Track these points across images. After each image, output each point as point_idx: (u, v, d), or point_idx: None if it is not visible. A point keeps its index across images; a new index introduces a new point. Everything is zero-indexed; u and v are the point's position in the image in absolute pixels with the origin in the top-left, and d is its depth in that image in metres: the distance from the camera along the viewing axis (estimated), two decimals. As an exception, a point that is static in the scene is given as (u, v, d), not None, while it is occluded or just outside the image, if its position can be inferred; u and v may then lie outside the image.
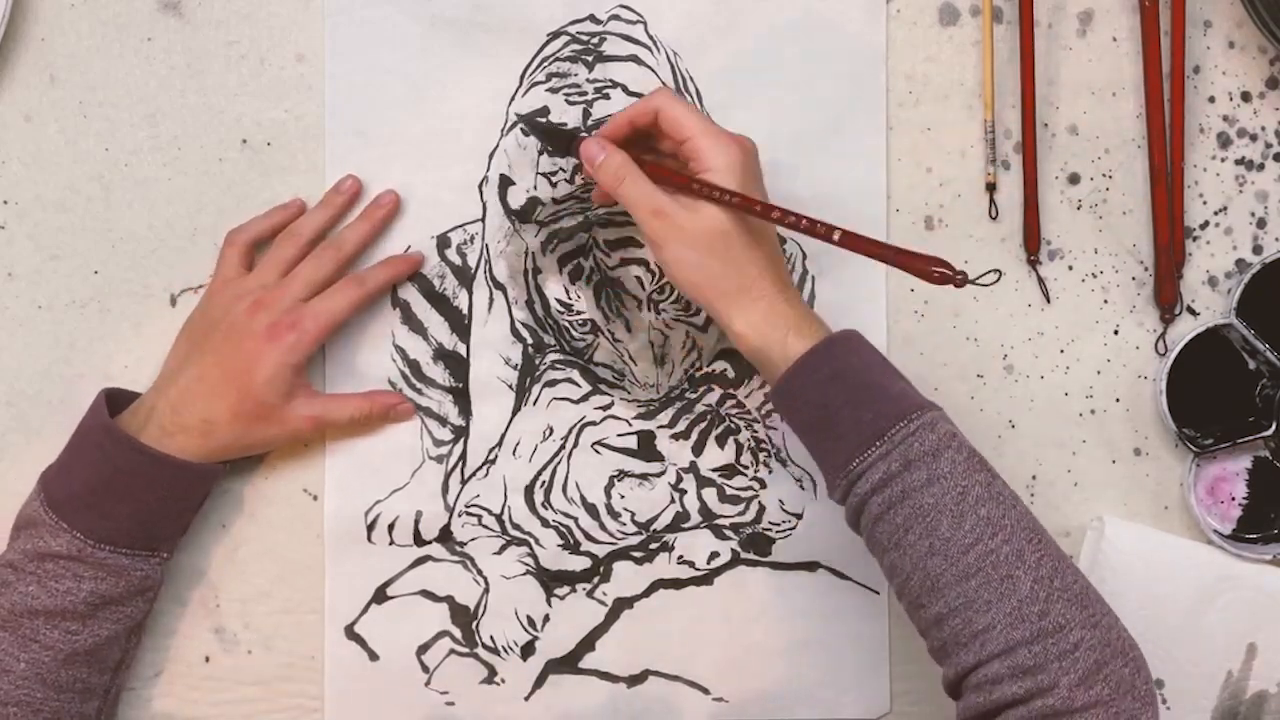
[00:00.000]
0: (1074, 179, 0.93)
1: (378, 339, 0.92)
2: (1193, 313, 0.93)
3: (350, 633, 0.92)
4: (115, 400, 0.86)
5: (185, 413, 0.84)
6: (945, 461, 0.76)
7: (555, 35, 0.92)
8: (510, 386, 0.92)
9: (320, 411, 0.88)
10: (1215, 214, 0.94)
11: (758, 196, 0.81)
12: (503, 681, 0.93)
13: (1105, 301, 0.93)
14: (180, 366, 0.87)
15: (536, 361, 0.92)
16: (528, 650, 0.93)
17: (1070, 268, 0.93)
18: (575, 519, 0.92)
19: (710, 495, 0.93)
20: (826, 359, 0.79)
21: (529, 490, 0.92)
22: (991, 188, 0.93)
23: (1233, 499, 0.94)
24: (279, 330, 0.85)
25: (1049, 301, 0.93)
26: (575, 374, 0.92)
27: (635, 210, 0.82)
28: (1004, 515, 0.75)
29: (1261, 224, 0.94)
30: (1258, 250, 0.94)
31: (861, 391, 0.78)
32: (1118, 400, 0.93)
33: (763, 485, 0.93)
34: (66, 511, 0.82)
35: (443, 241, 0.92)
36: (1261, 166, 0.94)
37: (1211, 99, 0.94)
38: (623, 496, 0.92)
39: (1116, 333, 0.93)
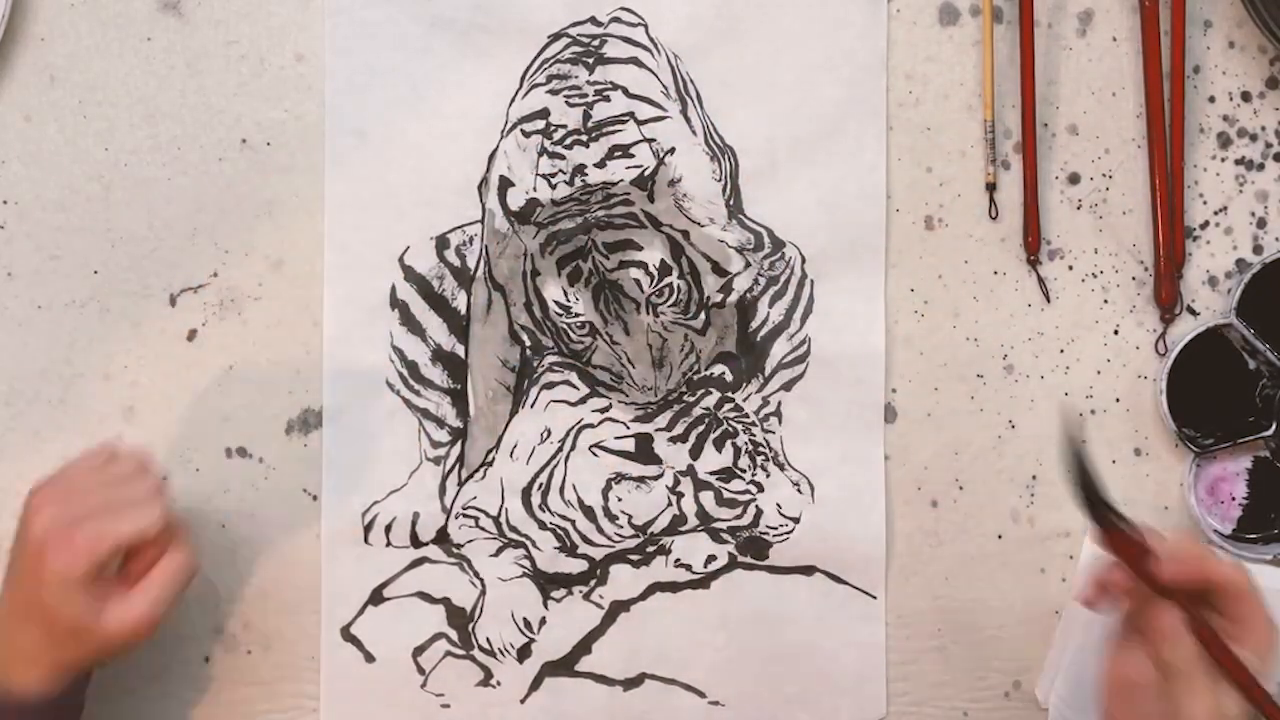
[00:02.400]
0: (1074, 179, 0.93)
1: (376, 340, 0.92)
2: (1193, 313, 0.93)
3: (347, 634, 0.92)
4: None
5: (4, 647, 0.80)
6: None
7: (556, 37, 0.92)
8: (508, 388, 0.92)
9: (137, 612, 0.79)
10: (1215, 214, 0.93)
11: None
12: (499, 684, 0.92)
13: (1105, 301, 0.93)
14: None
15: (535, 363, 0.92)
16: (524, 653, 0.92)
17: (1070, 268, 0.93)
18: (572, 521, 0.92)
19: (708, 498, 0.92)
20: None
21: (526, 492, 0.92)
22: (991, 188, 0.92)
23: (1233, 499, 0.93)
24: (49, 542, 0.78)
25: (1049, 301, 0.93)
26: (573, 376, 0.92)
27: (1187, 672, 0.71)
28: None
29: (1261, 224, 0.93)
30: (1258, 250, 0.93)
31: None
32: (1118, 400, 0.93)
33: (760, 489, 0.92)
34: None
35: (442, 242, 0.92)
36: (1261, 166, 0.93)
37: (1211, 99, 0.93)
38: (620, 499, 0.92)
39: (1116, 333, 0.93)
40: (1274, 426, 0.91)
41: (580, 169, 0.92)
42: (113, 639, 0.79)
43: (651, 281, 0.92)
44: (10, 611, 0.80)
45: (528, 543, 0.92)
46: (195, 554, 0.82)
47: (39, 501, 0.79)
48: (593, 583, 0.92)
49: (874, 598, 0.93)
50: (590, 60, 0.92)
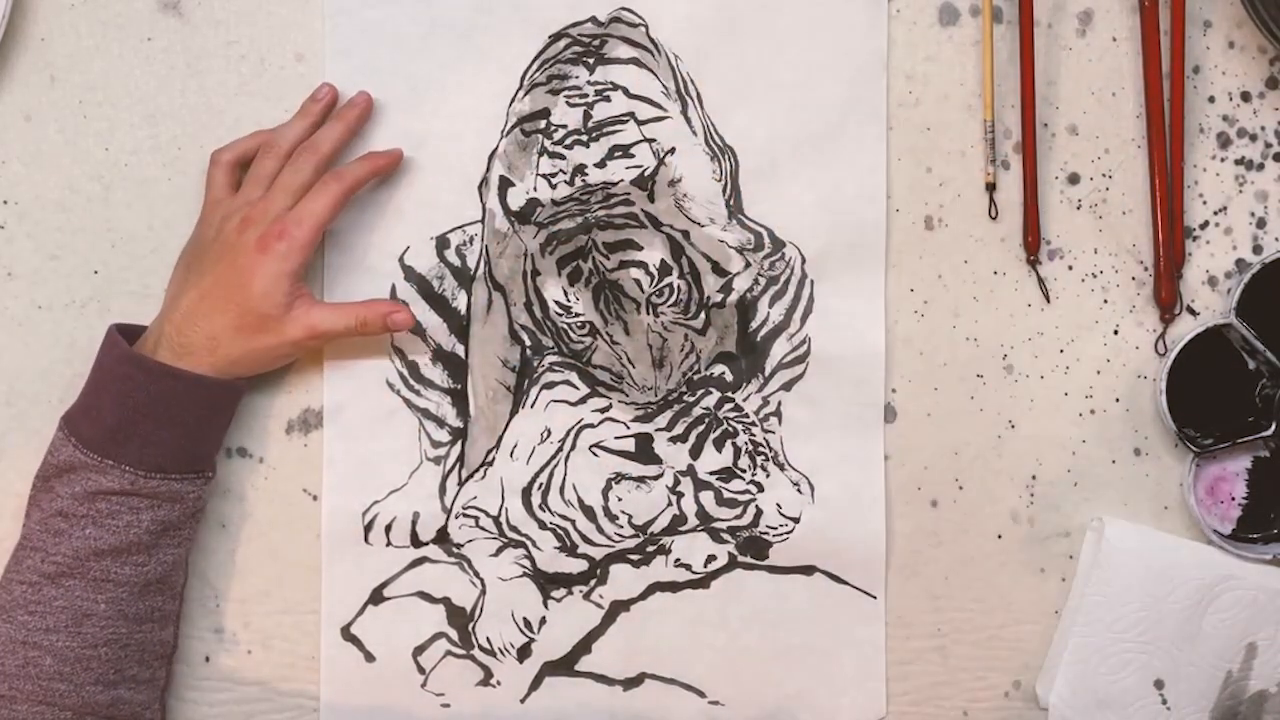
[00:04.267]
0: (1074, 179, 0.93)
1: (376, 339, 0.92)
2: (1193, 313, 0.93)
3: (347, 634, 0.92)
4: (123, 335, 0.87)
5: (190, 332, 0.85)
6: None
7: (556, 37, 0.92)
8: (508, 388, 0.92)
9: (316, 320, 0.87)
10: (1215, 214, 0.93)
11: None
12: (499, 684, 0.92)
13: (1105, 301, 0.93)
14: (180, 291, 0.87)
15: (535, 363, 0.92)
16: (524, 652, 0.92)
17: (1070, 268, 0.93)
18: (572, 521, 0.92)
19: (708, 498, 0.92)
20: None
21: (526, 492, 0.92)
22: (991, 188, 0.92)
23: (1233, 499, 0.93)
24: (268, 241, 0.85)
25: (1049, 301, 0.93)
26: (573, 376, 0.92)
27: None
28: None
29: (1261, 224, 0.93)
30: (1258, 250, 0.93)
31: None
32: (1118, 400, 0.93)
33: (760, 489, 0.92)
34: (108, 448, 0.83)
35: (442, 243, 0.92)
36: (1261, 166, 0.93)
37: (1211, 99, 0.93)
38: (620, 499, 0.92)
39: (1116, 333, 0.93)
40: (1274, 426, 0.91)
41: (580, 169, 0.92)
42: (288, 338, 0.87)
43: (651, 281, 0.92)
44: (200, 306, 0.86)
45: (528, 542, 0.92)
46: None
47: (243, 205, 0.88)
48: (593, 582, 0.92)
49: (874, 598, 0.93)
50: (591, 60, 0.92)
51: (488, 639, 0.92)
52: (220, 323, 0.85)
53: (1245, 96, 0.93)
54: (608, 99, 0.92)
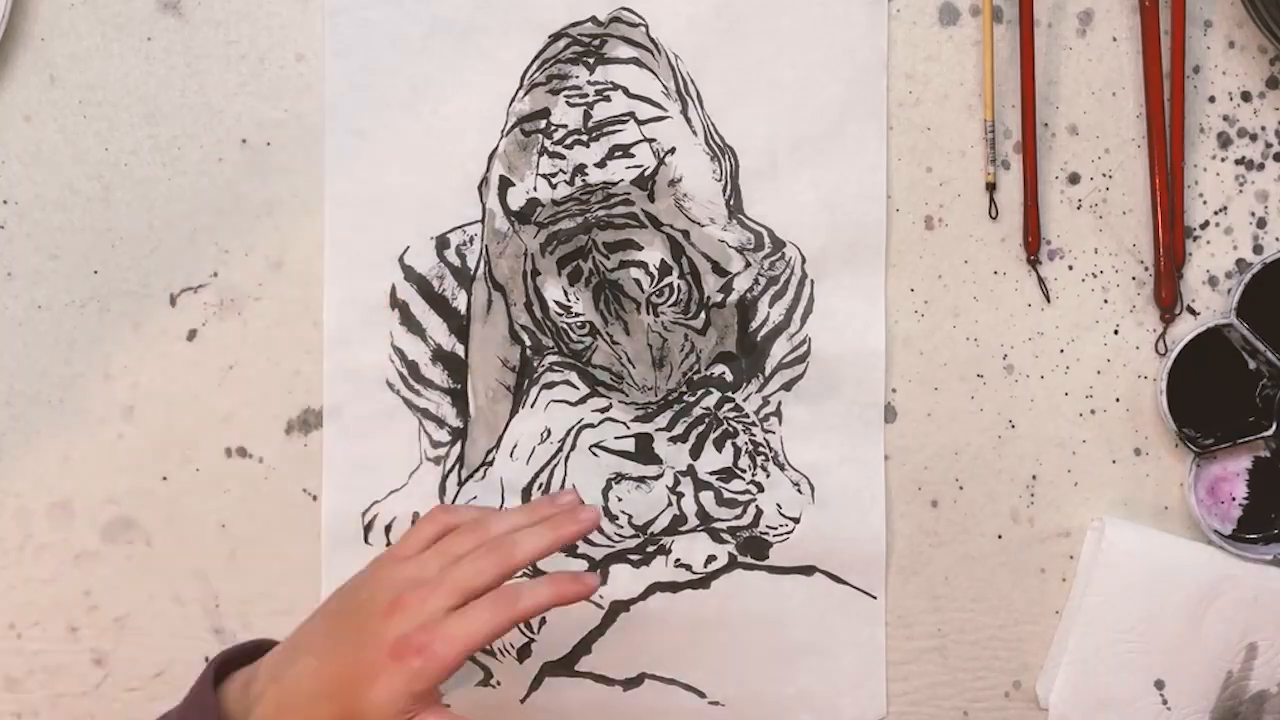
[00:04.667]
0: (1074, 179, 0.93)
1: (376, 340, 0.92)
2: (1193, 313, 0.93)
3: (347, 633, 0.92)
4: (235, 657, 0.78)
5: (288, 714, 0.73)
6: None
7: (556, 37, 0.92)
8: (508, 388, 0.92)
9: None
10: (1215, 214, 0.93)
11: None
12: (499, 684, 0.92)
13: (1105, 301, 0.93)
14: (307, 644, 0.77)
15: (535, 363, 0.92)
16: (524, 653, 0.92)
17: (1070, 268, 0.93)
18: (573, 521, 0.92)
19: (708, 498, 0.92)
20: None
21: (526, 492, 0.92)
22: (991, 188, 0.92)
23: (1233, 499, 0.93)
24: (405, 651, 0.72)
25: (1049, 301, 0.93)
26: (573, 376, 0.92)
27: None
28: None
29: (1261, 224, 0.93)
30: (1258, 250, 0.93)
31: None
32: (1118, 400, 0.93)
33: (760, 489, 0.92)
34: None
35: (442, 242, 0.92)
36: (1261, 166, 0.93)
37: (1211, 99, 0.93)
38: (620, 499, 0.92)
39: (1116, 333, 0.93)
40: (1274, 426, 0.91)
41: (580, 169, 0.92)
42: None
43: (652, 281, 0.92)
44: (309, 677, 0.74)
45: (528, 543, 0.92)
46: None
47: (399, 575, 0.76)
48: (593, 582, 0.92)
49: (874, 598, 0.93)
50: (591, 60, 0.92)
51: (488, 639, 0.92)
52: (324, 711, 0.73)
53: (1245, 96, 0.93)
54: (608, 99, 0.92)
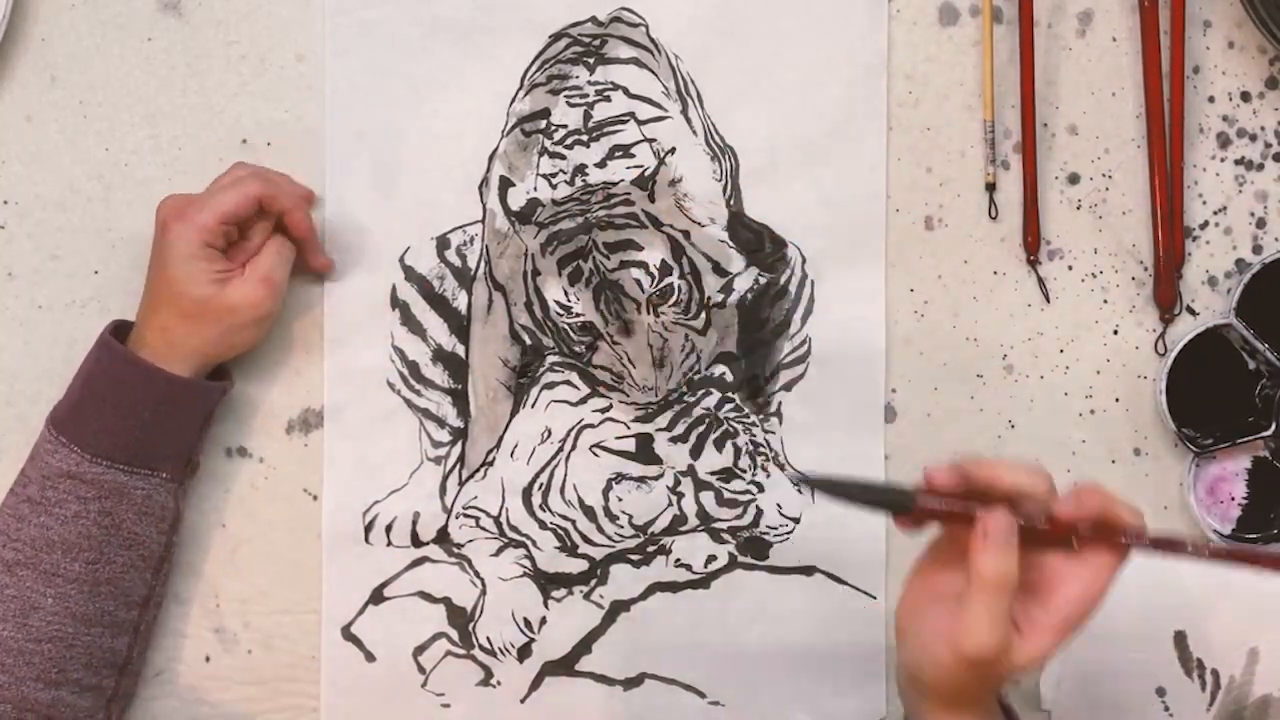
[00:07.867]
0: (1074, 179, 0.93)
1: (376, 340, 0.92)
2: (1192, 313, 0.93)
3: (347, 634, 0.92)
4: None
5: (144, 328, 0.86)
6: None
7: (557, 37, 0.92)
8: (509, 388, 0.92)
9: (245, 279, 0.86)
10: (1215, 214, 0.93)
11: None
12: (499, 684, 0.92)
13: (1105, 301, 0.93)
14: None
15: (535, 364, 0.92)
16: (524, 652, 0.92)
17: (1070, 268, 0.93)
18: (573, 521, 0.92)
19: (708, 499, 0.92)
20: None
21: (527, 492, 0.92)
22: (991, 188, 0.92)
23: (1232, 499, 0.93)
24: (169, 223, 0.85)
25: (1049, 301, 0.93)
26: (574, 376, 0.92)
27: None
28: None
29: (1261, 224, 0.93)
30: (1258, 250, 0.93)
31: None
32: (1117, 400, 0.93)
33: (760, 489, 0.92)
34: (65, 427, 0.84)
35: (442, 243, 0.92)
36: (1261, 166, 0.93)
37: (1211, 99, 0.93)
38: (620, 499, 0.92)
39: (1116, 333, 0.93)
40: (1274, 426, 0.91)
41: (581, 169, 0.92)
42: (236, 313, 0.86)
43: (652, 281, 0.92)
44: (149, 301, 0.86)
45: (528, 542, 0.92)
46: (307, 223, 0.89)
47: (166, 201, 0.87)
48: (593, 582, 0.92)
49: (874, 598, 0.92)
50: (591, 60, 0.92)
51: (488, 639, 0.92)
52: (166, 314, 0.86)
53: (1245, 96, 0.93)
54: (608, 99, 0.92)
